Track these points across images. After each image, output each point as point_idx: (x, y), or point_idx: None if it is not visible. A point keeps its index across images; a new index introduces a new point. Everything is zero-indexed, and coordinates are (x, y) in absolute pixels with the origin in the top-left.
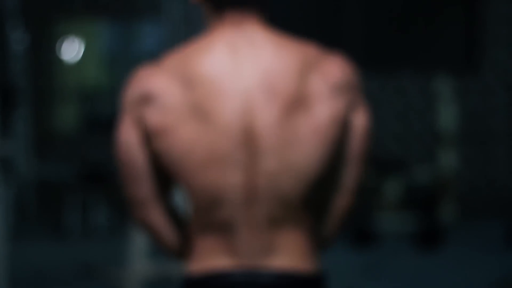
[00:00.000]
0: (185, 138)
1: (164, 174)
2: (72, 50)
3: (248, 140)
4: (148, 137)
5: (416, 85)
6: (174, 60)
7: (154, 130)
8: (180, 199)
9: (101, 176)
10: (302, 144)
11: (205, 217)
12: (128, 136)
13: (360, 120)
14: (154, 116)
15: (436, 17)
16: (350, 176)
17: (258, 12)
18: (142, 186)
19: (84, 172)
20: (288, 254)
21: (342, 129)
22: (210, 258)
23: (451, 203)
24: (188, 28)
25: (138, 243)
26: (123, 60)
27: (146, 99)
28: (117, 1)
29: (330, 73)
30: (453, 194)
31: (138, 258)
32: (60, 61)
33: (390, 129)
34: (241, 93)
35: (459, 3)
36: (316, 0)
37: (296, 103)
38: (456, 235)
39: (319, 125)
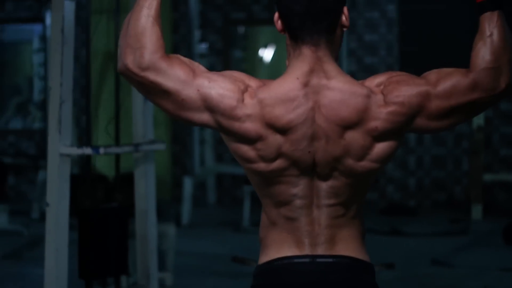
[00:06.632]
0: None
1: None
2: None
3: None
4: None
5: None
6: (272, 87)
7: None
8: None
9: None
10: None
11: (274, 215)
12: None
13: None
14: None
15: None
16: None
17: (328, 51)
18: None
19: None
20: (346, 247)
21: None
22: (278, 251)
23: None
24: None
25: None
26: None
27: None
28: None
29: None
30: None
31: None
32: None
33: None
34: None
35: None
36: None
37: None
38: None
39: (368, 137)
